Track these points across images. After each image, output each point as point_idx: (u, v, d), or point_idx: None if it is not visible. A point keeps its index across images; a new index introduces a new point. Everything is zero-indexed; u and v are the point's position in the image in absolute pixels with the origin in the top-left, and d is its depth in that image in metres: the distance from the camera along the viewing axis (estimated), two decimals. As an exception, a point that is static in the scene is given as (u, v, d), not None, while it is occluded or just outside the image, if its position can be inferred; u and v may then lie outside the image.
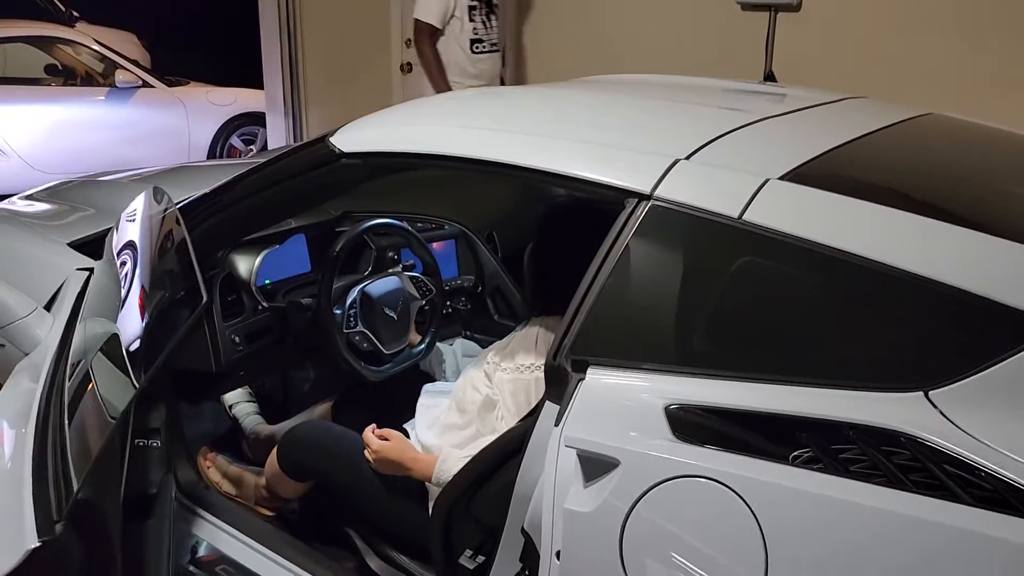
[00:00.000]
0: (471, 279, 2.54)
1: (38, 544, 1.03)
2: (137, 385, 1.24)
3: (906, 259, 1.13)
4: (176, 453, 1.83)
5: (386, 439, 1.71)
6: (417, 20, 3.76)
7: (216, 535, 1.79)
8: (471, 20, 3.77)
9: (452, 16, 3.74)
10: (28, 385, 1.36)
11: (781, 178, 1.27)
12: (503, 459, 1.49)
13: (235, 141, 6.30)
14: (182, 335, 1.33)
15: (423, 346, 2.12)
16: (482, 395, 1.68)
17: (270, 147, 5.30)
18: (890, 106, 1.94)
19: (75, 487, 1.14)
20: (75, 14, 8.12)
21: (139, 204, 1.74)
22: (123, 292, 1.39)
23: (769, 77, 3.59)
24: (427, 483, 1.66)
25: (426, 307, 2.16)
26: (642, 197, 1.30)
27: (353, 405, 2.20)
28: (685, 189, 1.28)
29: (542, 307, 1.74)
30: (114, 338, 1.30)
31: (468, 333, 2.53)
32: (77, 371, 1.35)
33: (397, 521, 1.75)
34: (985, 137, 1.78)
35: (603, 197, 1.36)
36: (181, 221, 1.47)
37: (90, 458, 1.14)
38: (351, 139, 1.63)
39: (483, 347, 1.95)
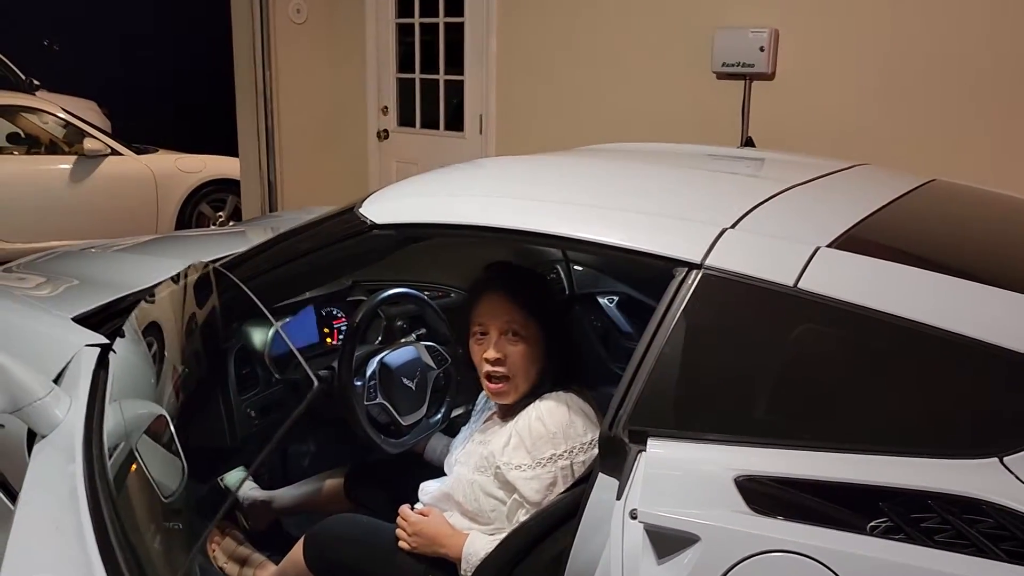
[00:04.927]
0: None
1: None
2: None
3: (968, 325, 1.14)
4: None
5: (424, 515, 1.67)
6: None
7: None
8: None
9: None
10: (68, 468, 1.29)
11: (830, 246, 1.29)
12: (546, 532, 1.45)
13: (204, 208, 6.24)
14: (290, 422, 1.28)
15: (439, 416, 2.08)
16: (504, 503, 1.62)
17: (244, 215, 5.26)
18: (895, 173, 2.00)
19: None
20: (35, 82, 8.05)
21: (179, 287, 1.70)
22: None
23: (748, 143, 3.69)
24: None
25: (441, 377, 2.12)
26: (692, 266, 1.30)
27: (367, 480, 2.14)
28: (736, 258, 1.29)
29: (552, 383, 1.66)
30: (159, 420, 1.25)
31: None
32: (117, 454, 1.29)
33: None
34: (996, 202, 1.84)
35: (651, 267, 1.36)
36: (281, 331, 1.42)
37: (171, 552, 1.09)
38: (383, 210, 1.61)
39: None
